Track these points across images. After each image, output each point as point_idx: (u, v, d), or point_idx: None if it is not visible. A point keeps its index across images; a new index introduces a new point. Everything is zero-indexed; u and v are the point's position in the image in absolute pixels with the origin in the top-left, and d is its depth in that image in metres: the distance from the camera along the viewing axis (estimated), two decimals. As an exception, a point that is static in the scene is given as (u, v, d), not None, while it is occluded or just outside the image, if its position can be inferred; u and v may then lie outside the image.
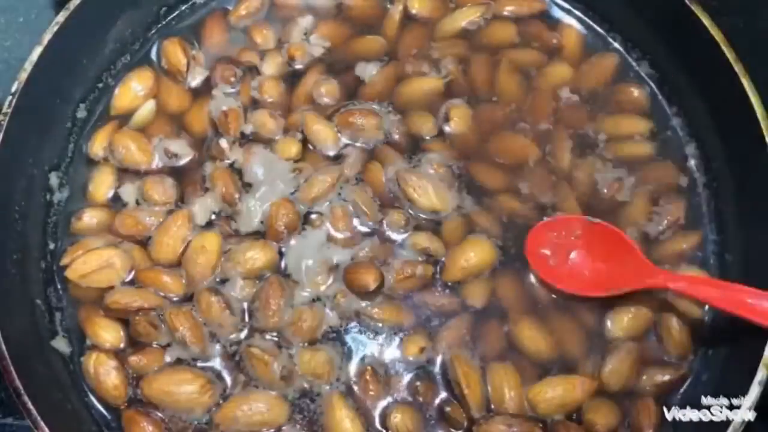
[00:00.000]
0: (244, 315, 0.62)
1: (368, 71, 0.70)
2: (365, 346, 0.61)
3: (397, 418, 0.58)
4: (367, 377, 0.59)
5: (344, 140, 0.68)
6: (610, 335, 0.61)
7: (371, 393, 0.59)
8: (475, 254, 0.62)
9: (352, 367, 0.60)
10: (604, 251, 0.62)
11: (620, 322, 0.61)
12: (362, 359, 0.61)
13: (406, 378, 0.60)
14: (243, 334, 0.61)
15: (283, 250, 0.64)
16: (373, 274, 0.61)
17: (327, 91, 0.69)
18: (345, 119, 0.67)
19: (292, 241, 0.64)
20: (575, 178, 0.66)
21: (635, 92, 0.70)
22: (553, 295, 0.63)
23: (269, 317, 0.60)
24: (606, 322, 0.62)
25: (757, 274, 0.59)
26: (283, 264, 0.63)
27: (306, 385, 0.60)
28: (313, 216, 0.65)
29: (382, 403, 0.60)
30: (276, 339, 0.61)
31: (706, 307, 0.62)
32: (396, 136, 0.67)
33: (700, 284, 0.58)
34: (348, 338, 0.61)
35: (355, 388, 0.60)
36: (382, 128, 0.67)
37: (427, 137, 0.68)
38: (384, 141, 0.67)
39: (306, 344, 0.60)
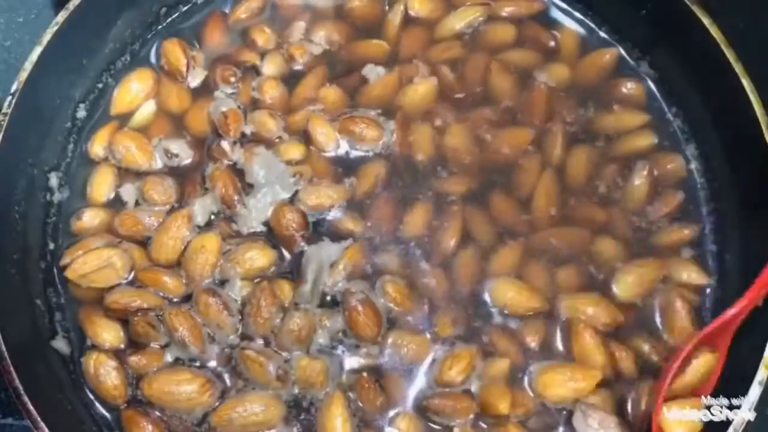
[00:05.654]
0: (243, 316, 0.62)
1: (372, 75, 0.70)
2: (360, 356, 0.61)
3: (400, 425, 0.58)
4: (365, 385, 0.59)
5: (345, 146, 0.68)
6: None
7: (370, 400, 0.59)
8: None
9: (349, 376, 0.60)
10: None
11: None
12: (357, 369, 0.60)
13: (408, 385, 0.60)
14: (240, 336, 0.61)
15: (284, 251, 0.64)
16: (372, 328, 0.60)
17: (327, 93, 0.69)
18: (346, 126, 0.67)
19: (295, 245, 0.64)
20: (568, 173, 0.67)
21: (633, 87, 0.70)
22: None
23: (260, 324, 0.60)
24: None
25: (756, 276, 0.59)
26: (282, 266, 0.63)
27: (297, 392, 0.60)
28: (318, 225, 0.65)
29: (382, 412, 0.59)
30: (268, 346, 0.61)
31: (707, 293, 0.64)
32: (395, 148, 0.67)
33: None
34: (342, 348, 0.61)
35: (352, 396, 0.59)
36: (381, 139, 0.67)
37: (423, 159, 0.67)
38: (382, 152, 0.67)
39: (300, 352, 0.60)
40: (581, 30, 0.73)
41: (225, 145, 0.67)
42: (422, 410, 0.59)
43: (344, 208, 0.65)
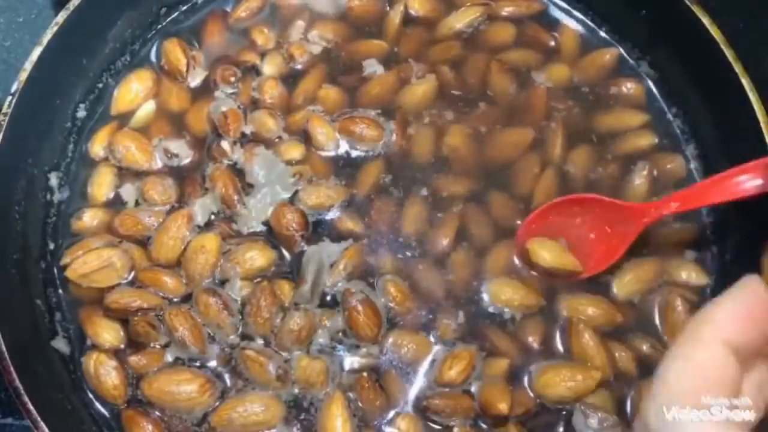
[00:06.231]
0: (243, 316, 0.62)
1: (371, 71, 0.70)
2: (360, 356, 0.61)
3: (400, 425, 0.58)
4: (365, 385, 0.59)
5: (344, 146, 0.68)
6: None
7: (370, 400, 0.59)
8: None
9: (349, 376, 0.60)
10: (588, 222, 0.63)
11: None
12: (357, 369, 0.60)
13: (408, 385, 0.60)
14: (240, 336, 0.61)
15: (284, 251, 0.64)
16: (372, 328, 0.60)
17: (327, 93, 0.69)
18: (346, 126, 0.67)
19: (295, 245, 0.64)
20: (568, 173, 0.67)
21: (633, 87, 0.70)
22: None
23: (260, 324, 0.60)
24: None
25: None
26: (282, 266, 0.63)
27: (297, 392, 0.60)
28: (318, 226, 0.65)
29: (382, 412, 0.59)
30: (268, 346, 0.61)
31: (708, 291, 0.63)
32: (395, 148, 0.67)
33: (692, 193, 0.59)
34: (342, 348, 0.61)
35: (352, 396, 0.59)
36: (381, 139, 0.67)
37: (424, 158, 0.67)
38: (382, 152, 0.67)
39: (300, 352, 0.60)
40: (581, 30, 0.73)
41: (225, 145, 0.67)
42: (422, 410, 0.59)
43: (344, 208, 0.65)
